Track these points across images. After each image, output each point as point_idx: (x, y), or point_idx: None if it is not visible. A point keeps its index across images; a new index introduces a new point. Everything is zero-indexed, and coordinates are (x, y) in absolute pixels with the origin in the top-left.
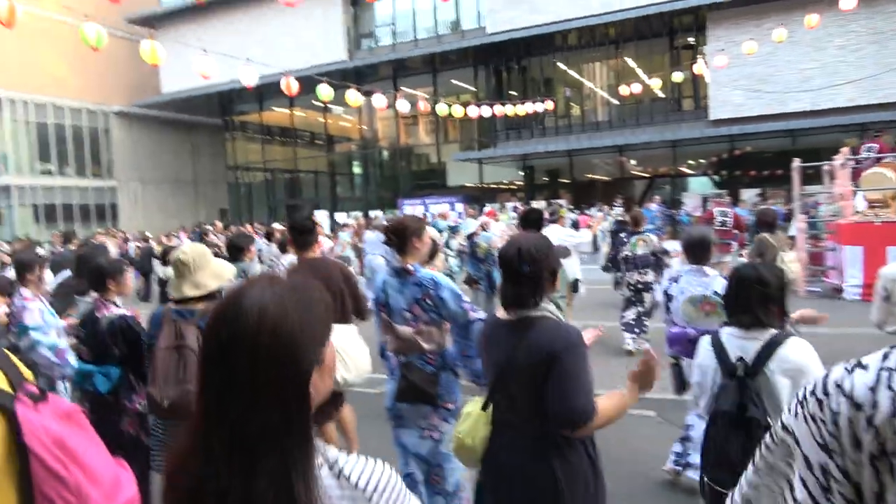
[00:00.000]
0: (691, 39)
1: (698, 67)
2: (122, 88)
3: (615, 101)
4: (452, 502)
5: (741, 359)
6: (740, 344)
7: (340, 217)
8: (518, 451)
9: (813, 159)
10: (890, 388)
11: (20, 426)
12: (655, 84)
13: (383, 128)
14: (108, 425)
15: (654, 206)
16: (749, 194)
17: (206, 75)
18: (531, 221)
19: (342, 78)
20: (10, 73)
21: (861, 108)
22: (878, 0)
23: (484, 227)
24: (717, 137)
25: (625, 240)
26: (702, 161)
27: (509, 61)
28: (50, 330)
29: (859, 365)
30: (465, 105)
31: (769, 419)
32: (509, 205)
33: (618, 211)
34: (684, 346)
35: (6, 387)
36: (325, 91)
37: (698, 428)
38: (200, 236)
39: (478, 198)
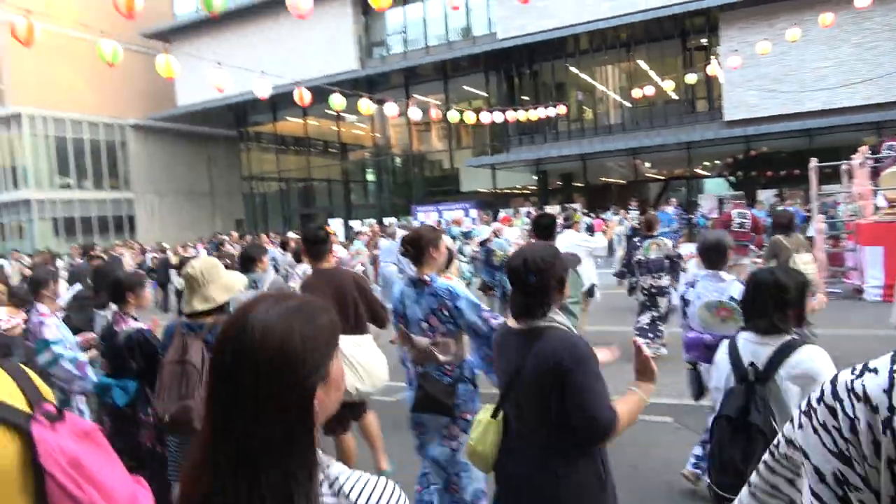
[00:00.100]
0: (704, 41)
1: (712, 68)
2: (137, 102)
3: (628, 104)
4: None
5: (752, 364)
6: (754, 349)
7: (355, 225)
8: (525, 460)
9: (830, 158)
10: None
11: (36, 447)
12: (668, 86)
13: (396, 135)
14: (126, 437)
15: (670, 209)
16: (766, 195)
17: (221, 88)
18: (542, 227)
19: (354, 86)
20: (28, 89)
21: (878, 107)
22: None
23: (496, 234)
24: (732, 138)
25: (638, 244)
26: (717, 162)
27: (521, 66)
28: (69, 343)
29: (868, 368)
30: (477, 111)
31: (774, 425)
32: (523, 210)
33: (634, 214)
34: (701, 351)
35: (24, 406)
36: (337, 100)
37: None
38: (217, 247)
39: (491, 203)
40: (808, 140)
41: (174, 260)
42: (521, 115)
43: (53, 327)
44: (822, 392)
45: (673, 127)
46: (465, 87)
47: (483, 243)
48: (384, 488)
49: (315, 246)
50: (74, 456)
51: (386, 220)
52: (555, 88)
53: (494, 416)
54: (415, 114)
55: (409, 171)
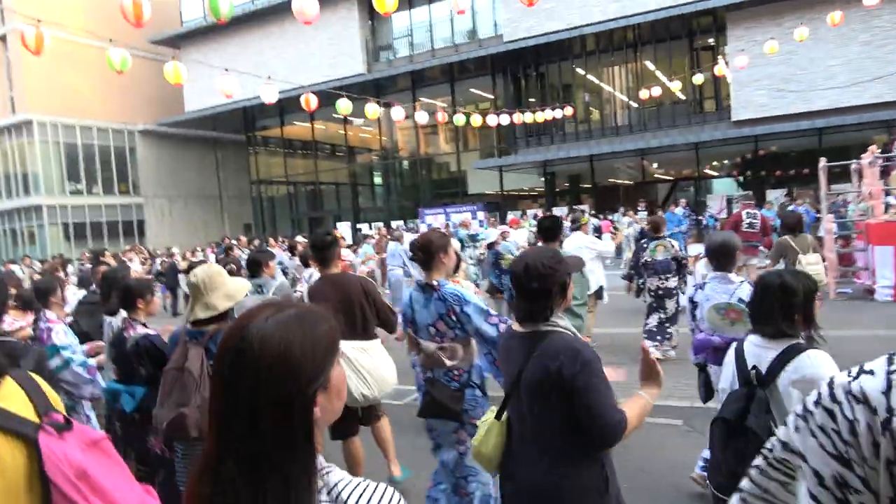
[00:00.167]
0: (711, 41)
1: (719, 68)
2: (146, 107)
3: (635, 105)
4: None
5: (755, 367)
6: (758, 352)
7: (363, 228)
8: (527, 463)
9: (840, 158)
10: None
11: (41, 457)
12: (676, 86)
13: (403, 138)
14: (136, 443)
15: (679, 210)
16: (775, 195)
17: (229, 94)
18: (546, 229)
19: (361, 90)
20: (38, 96)
21: (888, 105)
22: None
23: (504, 237)
24: (741, 138)
25: (645, 245)
26: (726, 162)
27: (527, 68)
28: (77, 348)
29: (864, 371)
30: (483, 113)
31: (773, 429)
32: (530, 212)
33: (642, 215)
34: (710, 353)
35: (32, 415)
36: (344, 105)
37: None
38: (226, 251)
39: (498, 205)
40: (818, 139)
41: (183, 265)
42: (528, 116)
43: (62, 333)
44: (820, 395)
45: (681, 127)
46: (472, 90)
47: (491, 246)
48: (383, 494)
49: (322, 251)
50: (81, 466)
51: (394, 224)
52: (562, 90)
53: (498, 417)
54: (422, 117)
55: (417, 173)
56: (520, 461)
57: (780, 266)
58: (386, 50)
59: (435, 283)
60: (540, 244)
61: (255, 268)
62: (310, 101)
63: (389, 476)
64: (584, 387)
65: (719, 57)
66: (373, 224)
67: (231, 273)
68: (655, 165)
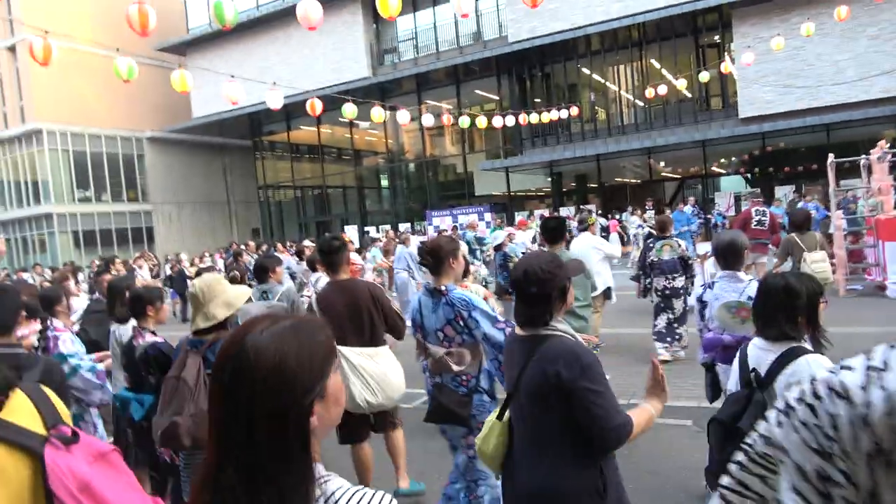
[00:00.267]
0: (717, 38)
1: (725, 65)
2: (153, 114)
3: (641, 104)
4: None
5: (755, 369)
6: (759, 354)
7: (371, 231)
8: (526, 465)
9: (849, 153)
10: (881, 387)
11: (45, 470)
12: (682, 84)
13: (409, 140)
14: (146, 450)
15: (688, 208)
16: (783, 192)
17: (235, 100)
18: (549, 230)
19: (367, 94)
20: (47, 105)
21: None
22: None
23: (510, 239)
24: (748, 135)
25: (651, 245)
26: (733, 160)
27: (532, 69)
28: (84, 355)
29: (844, 367)
30: (489, 115)
31: None
32: (538, 212)
33: (650, 214)
34: (718, 352)
35: (40, 427)
36: (349, 109)
37: None
38: (235, 257)
39: (505, 206)
40: (826, 135)
41: (191, 271)
42: (534, 117)
43: (69, 342)
44: (802, 391)
45: (687, 125)
46: (477, 91)
47: (499, 248)
48: (380, 503)
49: (329, 256)
50: (85, 479)
51: (401, 226)
52: (567, 90)
53: (499, 418)
54: (427, 120)
55: (423, 175)
56: (519, 462)
57: (788, 264)
58: (390, 53)
59: (443, 287)
60: (544, 246)
61: (262, 273)
62: (315, 107)
63: (396, 489)
64: (583, 390)
65: (725, 54)
66: (380, 227)
67: (234, 281)
68: (662, 164)
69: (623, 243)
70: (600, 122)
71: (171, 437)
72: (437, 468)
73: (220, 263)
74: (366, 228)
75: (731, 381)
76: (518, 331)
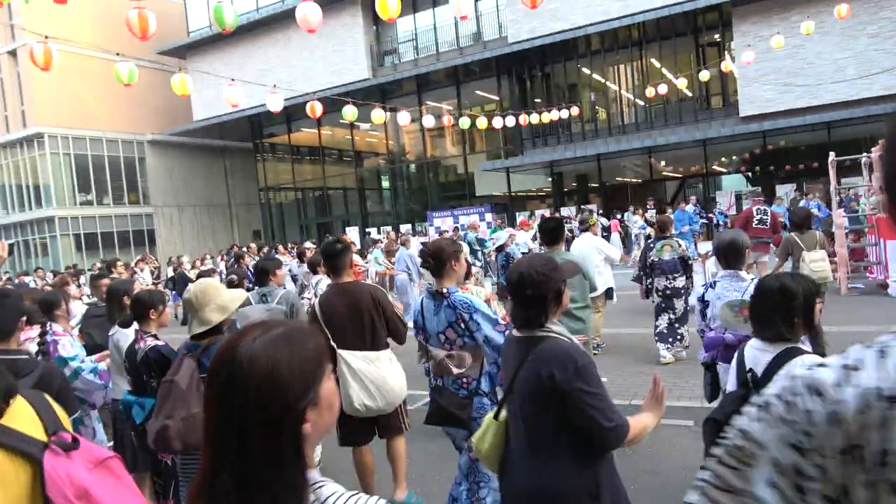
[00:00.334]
0: (717, 37)
1: (726, 64)
2: (154, 117)
3: (642, 103)
4: None
5: (751, 370)
6: (756, 355)
7: (372, 232)
8: (520, 465)
9: (851, 151)
10: (855, 385)
11: (43, 476)
12: (682, 84)
13: (410, 141)
14: (149, 453)
15: (690, 208)
16: (784, 190)
17: (235, 103)
18: (548, 231)
19: (367, 95)
20: (49, 109)
21: None
22: None
23: (512, 240)
24: (749, 134)
25: (651, 245)
26: (734, 158)
27: (532, 69)
28: (85, 357)
29: (821, 364)
30: (489, 115)
31: None
32: (539, 213)
33: (652, 213)
34: (720, 350)
35: (40, 434)
36: (350, 111)
37: None
38: (237, 259)
39: (506, 206)
40: (827, 133)
41: (192, 273)
42: (535, 117)
43: (68, 345)
44: (780, 387)
45: (688, 124)
46: (478, 92)
47: (501, 249)
48: None
49: (332, 260)
50: (83, 486)
51: (402, 227)
52: (567, 90)
53: (496, 417)
54: (428, 121)
55: (424, 176)
56: (515, 462)
57: (789, 264)
58: (391, 54)
59: (445, 290)
60: (543, 247)
61: (263, 276)
62: (315, 109)
63: (391, 501)
64: (578, 391)
65: (725, 53)
66: (381, 228)
67: (231, 284)
68: (663, 163)
69: (624, 244)
70: (601, 122)
71: (161, 440)
72: (438, 470)
73: (222, 265)
74: (367, 229)
75: (729, 380)
76: (515, 332)
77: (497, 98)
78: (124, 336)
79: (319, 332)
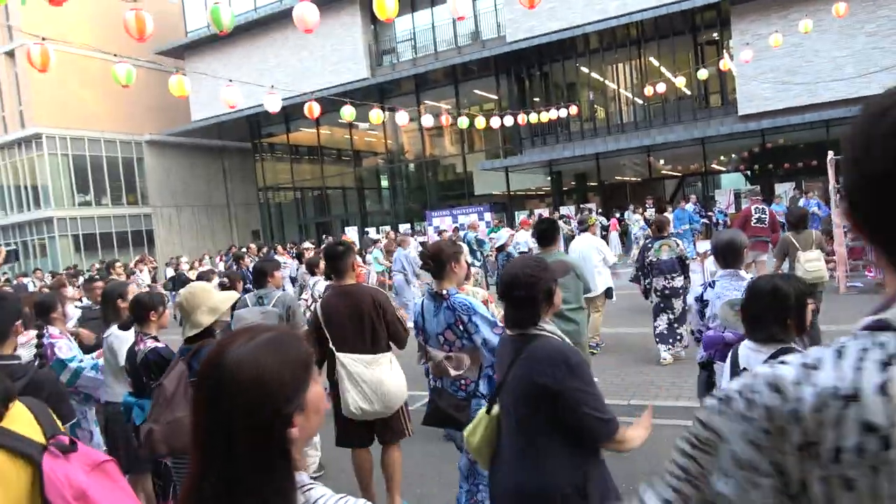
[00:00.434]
0: (715, 35)
1: (724, 63)
2: (153, 117)
3: (640, 102)
4: None
5: (745, 369)
6: (750, 355)
7: (371, 232)
8: (509, 461)
9: None
10: (813, 384)
11: (43, 478)
12: (681, 82)
13: (408, 140)
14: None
15: (689, 206)
16: (784, 188)
17: (233, 104)
18: (542, 232)
19: (366, 95)
20: (46, 109)
21: None
22: None
23: (511, 241)
24: (747, 132)
25: (649, 245)
26: (733, 157)
27: (531, 68)
28: (83, 356)
29: (782, 362)
30: (488, 114)
31: None
32: (538, 212)
33: (651, 213)
34: (719, 349)
35: (39, 437)
36: (348, 111)
37: None
38: (236, 260)
39: (505, 206)
40: (826, 131)
41: (191, 274)
42: (533, 116)
43: (65, 347)
44: (742, 384)
45: (686, 123)
46: (476, 91)
47: (501, 248)
48: None
49: (333, 261)
50: (81, 488)
51: (401, 227)
52: (566, 89)
53: (488, 411)
54: (426, 120)
55: (423, 176)
56: (504, 459)
57: (787, 264)
58: (389, 54)
59: (444, 292)
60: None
61: (261, 278)
62: (313, 109)
63: None
64: (572, 389)
65: (724, 51)
66: (380, 228)
67: (224, 287)
68: (662, 162)
69: (623, 243)
70: (599, 121)
71: (147, 443)
72: (438, 471)
73: (221, 266)
74: (366, 229)
75: (723, 380)
76: (508, 331)
77: (496, 97)
78: (118, 338)
79: (303, 337)
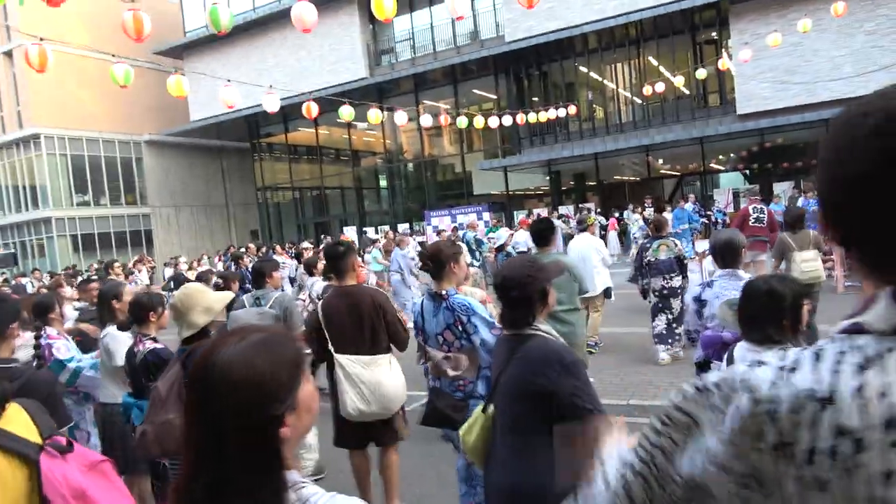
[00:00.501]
0: (714, 34)
1: (723, 62)
2: (151, 117)
3: (639, 101)
4: None
5: None
6: (746, 356)
7: (369, 231)
8: (501, 459)
9: None
10: (789, 385)
11: (40, 477)
12: (680, 82)
13: (407, 140)
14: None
15: (689, 206)
16: (782, 188)
17: (231, 104)
18: (539, 232)
19: (364, 94)
20: (45, 109)
21: None
22: None
23: (510, 241)
24: (746, 132)
25: (647, 245)
26: (732, 156)
27: (529, 68)
28: (83, 356)
29: (760, 363)
30: (487, 114)
31: None
32: (536, 211)
33: (650, 212)
34: (717, 349)
35: (36, 437)
36: (346, 111)
37: None
38: (235, 261)
39: (504, 205)
40: (825, 131)
41: (190, 275)
42: (532, 116)
43: (63, 348)
44: (720, 377)
45: (685, 122)
46: (475, 91)
47: (501, 248)
48: None
49: (334, 262)
50: (79, 487)
51: (400, 227)
52: (565, 88)
53: (484, 410)
54: (425, 121)
55: (422, 176)
56: (498, 457)
57: (785, 264)
58: (388, 53)
59: (444, 292)
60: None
61: (260, 279)
62: (311, 110)
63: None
64: (569, 386)
65: (723, 51)
66: (379, 227)
67: (218, 288)
68: (661, 161)
69: (622, 242)
70: (598, 121)
71: (141, 445)
72: (437, 471)
73: (220, 266)
74: (364, 229)
75: None
76: (504, 331)
77: (494, 97)
78: (114, 339)
79: (295, 337)
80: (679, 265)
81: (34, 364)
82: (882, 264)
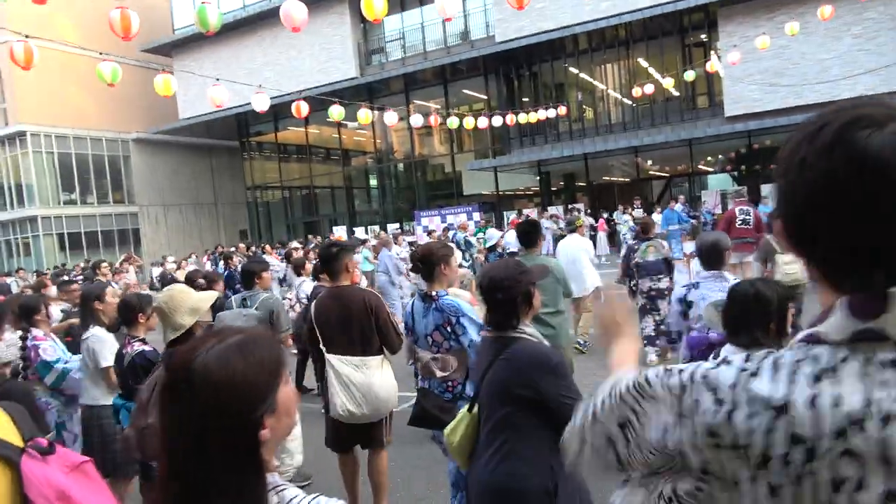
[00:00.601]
0: (703, 37)
1: (711, 64)
2: (139, 115)
3: (628, 103)
4: None
5: None
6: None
7: (359, 231)
8: (485, 459)
9: None
10: (747, 390)
11: (22, 479)
12: (669, 83)
13: (397, 140)
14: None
15: (678, 207)
16: (770, 189)
17: (220, 104)
18: (524, 234)
19: (355, 94)
20: (31, 107)
21: (881, 98)
22: None
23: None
24: (734, 133)
25: (635, 247)
26: (720, 158)
27: (520, 68)
28: (70, 358)
29: (725, 361)
30: (477, 114)
31: None
32: (526, 212)
33: (639, 213)
34: (703, 351)
35: (17, 440)
36: (336, 111)
37: None
38: (225, 260)
39: (494, 206)
40: None
41: (179, 275)
42: (522, 117)
43: (50, 349)
44: (685, 370)
45: (674, 124)
46: (465, 91)
47: (492, 249)
48: None
49: (328, 263)
50: (62, 488)
51: (390, 227)
52: (555, 89)
53: (469, 410)
54: (416, 120)
55: (412, 175)
56: (481, 457)
57: (768, 266)
58: (378, 53)
59: (434, 293)
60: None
61: (248, 279)
62: (301, 109)
63: None
64: (554, 387)
65: (711, 53)
66: (369, 227)
67: (199, 287)
68: (650, 162)
69: (612, 242)
70: (588, 122)
71: (126, 448)
72: (427, 473)
73: (208, 265)
74: (353, 229)
75: None
76: (488, 333)
77: (485, 97)
78: (98, 340)
79: (274, 339)
80: (666, 266)
81: (20, 365)
82: (836, 276)
